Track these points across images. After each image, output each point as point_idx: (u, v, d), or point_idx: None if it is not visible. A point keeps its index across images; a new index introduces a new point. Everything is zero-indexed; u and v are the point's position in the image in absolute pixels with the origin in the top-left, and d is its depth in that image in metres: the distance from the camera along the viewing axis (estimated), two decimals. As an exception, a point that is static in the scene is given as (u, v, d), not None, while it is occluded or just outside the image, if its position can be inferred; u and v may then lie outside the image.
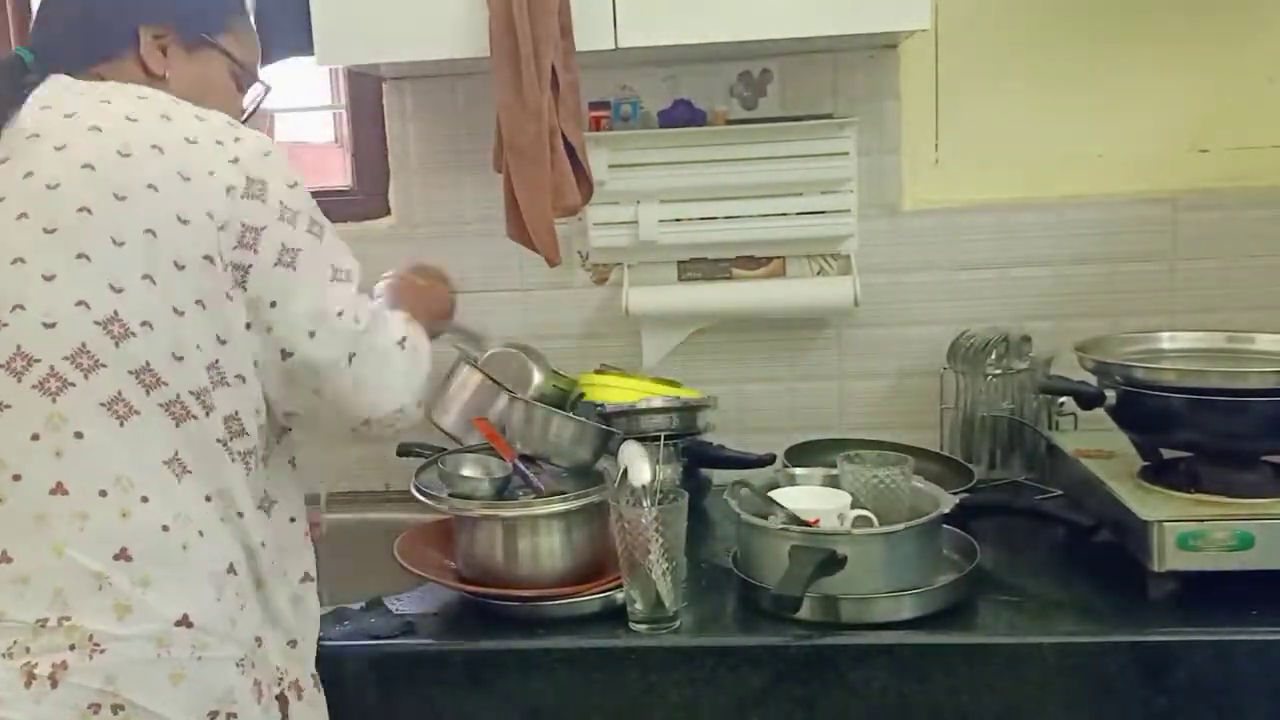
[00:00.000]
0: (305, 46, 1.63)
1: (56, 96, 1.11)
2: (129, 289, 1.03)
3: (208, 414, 1.07)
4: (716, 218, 1.85)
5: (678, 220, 1.86)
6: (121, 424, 1.03)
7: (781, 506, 1.40)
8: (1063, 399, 1.54)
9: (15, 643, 0.99)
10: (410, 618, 1.40)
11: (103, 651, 0.99)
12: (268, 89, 1.33)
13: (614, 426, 1.57)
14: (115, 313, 1.03)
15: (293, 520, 1.23)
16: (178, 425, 1.05)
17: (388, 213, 1.98)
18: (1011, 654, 1.27)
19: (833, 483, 1.50)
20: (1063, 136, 1.85)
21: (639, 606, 1.32)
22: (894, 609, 1.31)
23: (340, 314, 1.14)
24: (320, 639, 1.24)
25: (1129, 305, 1.85)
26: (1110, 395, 1.44)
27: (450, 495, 1.45)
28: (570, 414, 1.54)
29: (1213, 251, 1.85)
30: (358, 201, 1.99)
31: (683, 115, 1.88)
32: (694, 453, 1.74)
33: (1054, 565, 1.50)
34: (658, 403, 1.72)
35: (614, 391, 1.75)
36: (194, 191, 1.07)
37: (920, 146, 1.88)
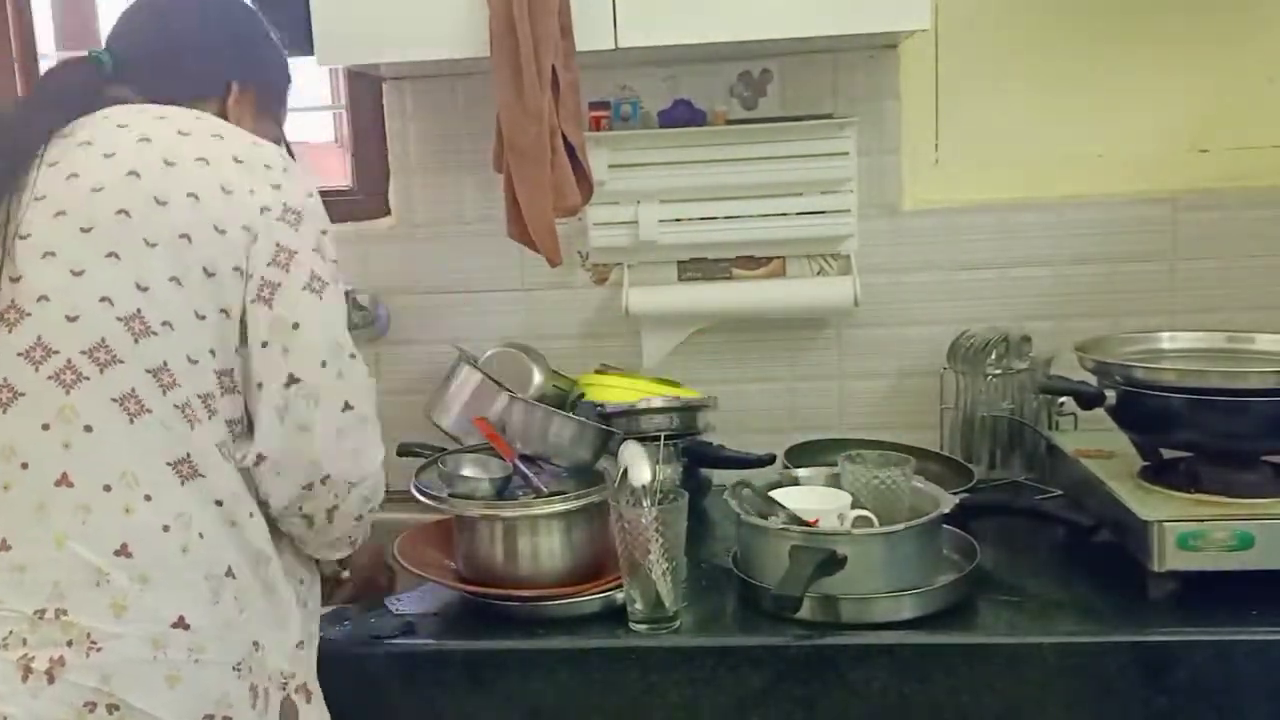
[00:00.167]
0: (305, 46, 1.63)
1: (114, 110, 1.14)
2: (155, 288, 1.05)
3: (211, 418, 1.07)
4: (716, 218, 1.85)
5: (678, 220, 1.86)
6: (132, 420, 1.04)
7: (782, 506, 1.40)
8: (1063, 399, 1.54)
9: (11, 633, 1.00)
10: (410, 618, 1.40)
11: (99, 649, 0.99)
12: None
13: (614, 426, 1.57)
14: (138, 311, 1.04)
15: None
16: (191, 428, 1.06)
17: (388, 213, 1.98)
18: (1011, 654, 1.27)
19: (835, 483, 1.50)
20: (1063, 136, 1.86)
21: (639, 606, 1.32)
22: (894, 609, 1.31)
23: (353, 356, 1.14)
24: (320, 639, 1.24)
25: (1129, 305, 1.85)
26: (1110, 395, 1.44)
27: (450, 495, 1.45)
28: (570, 414, 1.54)
29: (1213, 251, 1.85)
30: (358, 201, 1.99)
31: (683, 115, 1.88)
32: (694, 453, 1.73)
33: (1054, 565, 1.50)
34: (658, 403, 1.72)
35: (614, 391, 1.75)
36: (234, 204, 1.09)
37: (920, 146, 1.88)
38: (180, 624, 1.03)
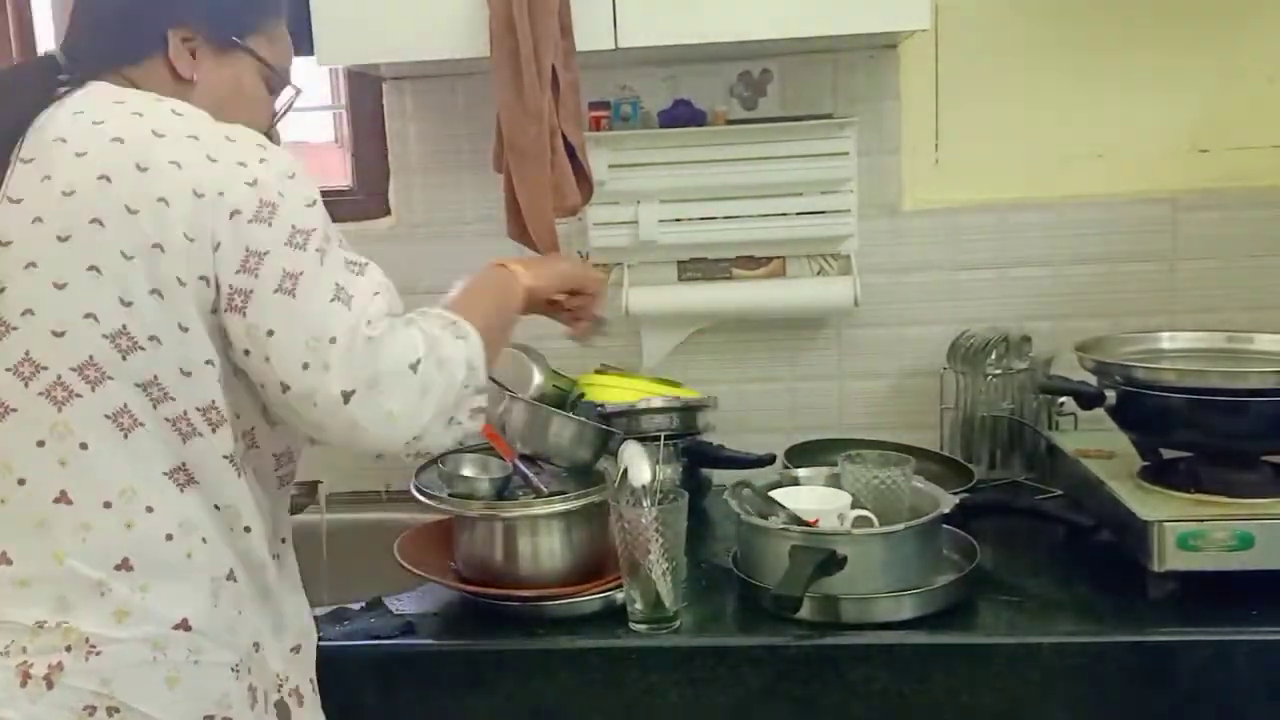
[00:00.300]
0: (305, 46, 1.63)
1: (91, 103, 1.09)
2: (138, 303, 1.02)
3: (216, 430, 1.05)
4: (716, 218, 1.85)
5: (678, 220, 1.86)
6: (125, 435, 1.02)
7: (782, 506, 1.40)
8: (1063, 399, 1.54)
9: (12, 642, 0.99)
10: (410, 618, 1.40)
11: (99, 653, 0.99)
12: (298, 92, 1.28)
13: (614, 426, 1.57)
14: (123, 327, 1.02)
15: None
16: (184, 441, 1.04)
17: (388, 213, 1.98)
18: (1011, 654, 1.27)
19: (835, 483, 1.50)
20: (1063, 136, 1.85)
21: (639, 606, 1.32)
22: (894, 609, 1.31)
23: (334, 340, 1.04)
24: (320, 639, 1.24)
25: (1129, 305, 1.85)
26: (1110, 395, 1.44)
27: (450, 495, 1.45)
28: (570, 414, 1.54)
29: (1213, 251, 1.84)
30: (358, 201, 1.99)
31: (683, 115, 1.88)
32: (694, 453, 1.73)
33: (1054, 565, 1.50)
34: (658, 403, 1.72)
35: (614, 391, 1.75)
36: (204, 209, 1.03)
37: (920, 146, 1.88)
38: (183, 625, 1.02)
